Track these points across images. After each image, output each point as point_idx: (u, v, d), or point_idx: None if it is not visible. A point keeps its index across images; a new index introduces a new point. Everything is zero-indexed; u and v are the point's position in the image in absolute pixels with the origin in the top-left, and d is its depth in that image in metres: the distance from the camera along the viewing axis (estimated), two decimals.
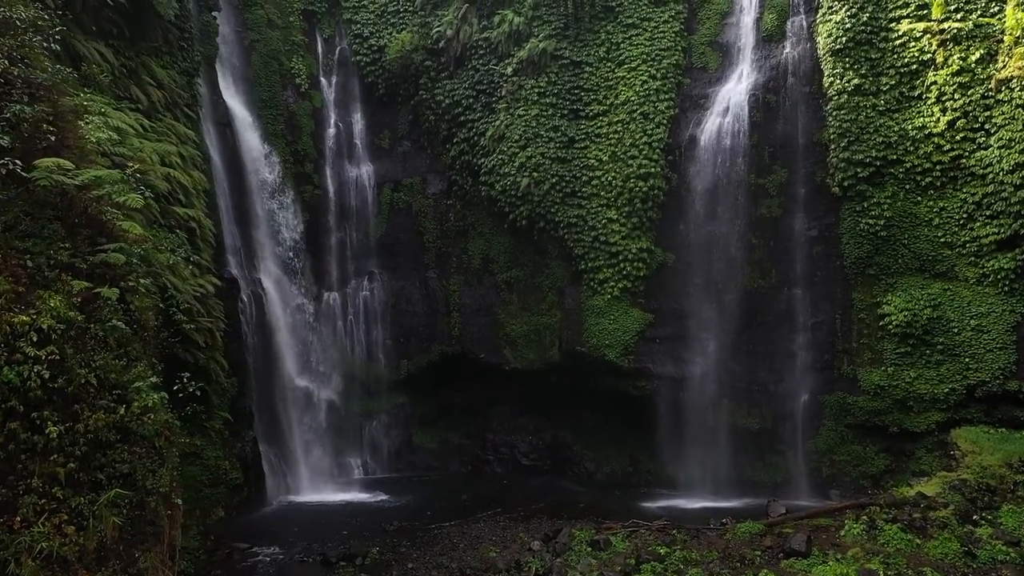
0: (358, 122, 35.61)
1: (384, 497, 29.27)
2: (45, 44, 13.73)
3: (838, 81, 27.80)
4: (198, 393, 12.95)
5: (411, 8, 34.68)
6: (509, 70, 32.03)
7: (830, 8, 28.28)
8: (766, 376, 29.35)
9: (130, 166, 15.00)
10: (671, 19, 31.06)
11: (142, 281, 12.11)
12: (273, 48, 32.90)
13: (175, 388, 13.43)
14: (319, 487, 30.11)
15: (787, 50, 29.34)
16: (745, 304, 29.39)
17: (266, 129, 32.19)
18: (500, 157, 31.77)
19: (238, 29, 32.47)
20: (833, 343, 28.46)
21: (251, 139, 31.09)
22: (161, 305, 17.90)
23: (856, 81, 27.41)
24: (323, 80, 35.17)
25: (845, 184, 27.70)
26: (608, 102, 31.11)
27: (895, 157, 27.04)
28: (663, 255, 30.52)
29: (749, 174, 29.25)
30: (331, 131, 35.02)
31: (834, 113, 27.83)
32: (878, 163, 27.24)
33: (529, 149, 31.28)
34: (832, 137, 27.90)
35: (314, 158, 34.01)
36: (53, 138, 12.01)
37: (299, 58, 33.86)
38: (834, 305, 28.40)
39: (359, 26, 35.06)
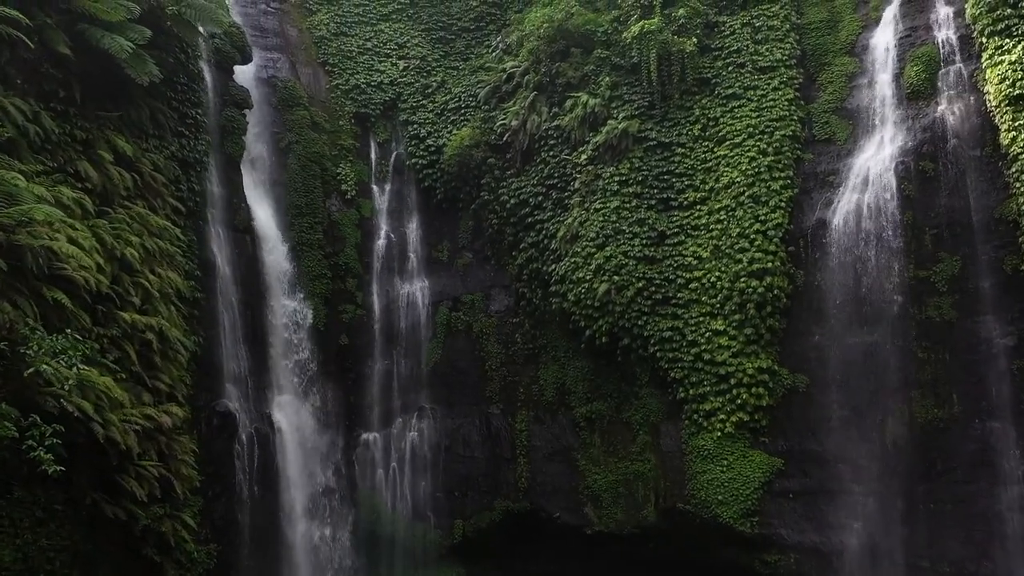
0: (413, 232, 30.57)
1: None
2: None
3: (1023, 136, 20.56)
4: None
5: (473, 103, 30.36)
6: (583, 158, 26.61)
7: (999, 48, 21.77)
8: (960, 550, 20.82)
9: None
10: (782, 85, 25.47)
11: None
12: (315, 151, 28.87)
13: None
14: None
15: (942, 106, 22.93)
16: (916, 443, 21.72)
17: (300, 239, 27.56)
18: (573, 260, 25.70)
19: (275, 130, 28.72)
20: None
21: (277, 249, 26.59)
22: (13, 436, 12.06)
23: None
24: (375, 187, 30.70)
25: None
26: (707, 187, 25.06)
27: None
28: (791, 377, 23.19)
29: (907, 265, 21.94)
30: (380, 243, 30.04)
31: (1022, 178, 20.43)
32: None
33: (608, 248, 25.16)
34: (1023, 210, 20.36)
35: (358, 273, 28.92)
36: None
37: (347, 163, 29.80)
38: None
39: (416, 127, 30.83)
